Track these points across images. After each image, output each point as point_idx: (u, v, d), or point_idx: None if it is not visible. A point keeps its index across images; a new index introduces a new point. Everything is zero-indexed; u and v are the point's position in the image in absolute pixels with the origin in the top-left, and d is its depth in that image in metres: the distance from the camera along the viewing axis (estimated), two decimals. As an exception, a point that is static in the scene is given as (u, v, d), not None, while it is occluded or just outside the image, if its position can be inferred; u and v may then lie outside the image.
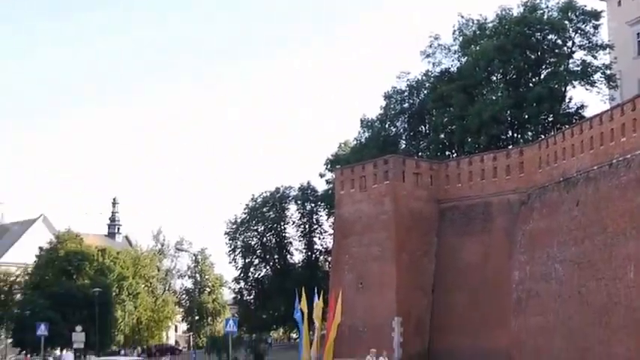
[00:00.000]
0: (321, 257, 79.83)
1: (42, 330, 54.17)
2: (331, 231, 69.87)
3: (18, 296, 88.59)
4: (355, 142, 74.93)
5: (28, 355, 65.53)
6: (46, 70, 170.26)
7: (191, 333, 78.57)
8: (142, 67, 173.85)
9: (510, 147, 58.71)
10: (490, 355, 47.99)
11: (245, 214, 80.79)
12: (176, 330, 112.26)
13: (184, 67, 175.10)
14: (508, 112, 61.76)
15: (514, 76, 64.16)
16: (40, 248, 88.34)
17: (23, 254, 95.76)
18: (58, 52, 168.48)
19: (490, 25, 66.11)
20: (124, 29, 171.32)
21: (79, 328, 62.81)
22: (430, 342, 53.84)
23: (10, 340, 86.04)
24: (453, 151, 67.09)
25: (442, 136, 67.73)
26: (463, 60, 67.34)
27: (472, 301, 52.18)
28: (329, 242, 74.05)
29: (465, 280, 53.17)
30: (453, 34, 68.64)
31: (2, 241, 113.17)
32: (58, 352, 78.09)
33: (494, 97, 61.86)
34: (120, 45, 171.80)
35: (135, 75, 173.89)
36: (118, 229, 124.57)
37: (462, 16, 68.19)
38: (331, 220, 71.05)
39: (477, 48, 64.95)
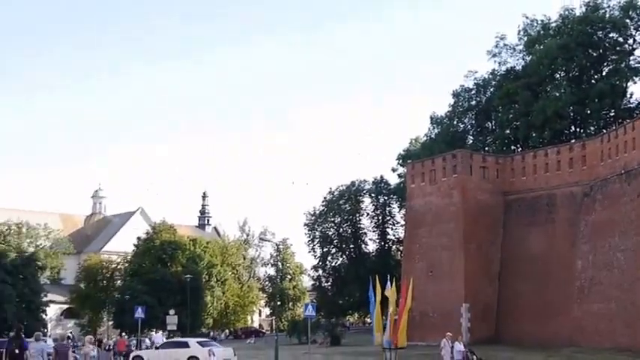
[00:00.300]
0: (394, 247, 79.27)
1: (139, 313, 54.46)
2: (403, 222, 69.35)
3: (118, 282, 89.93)
4: (425, 138, 74.26)
5: (126, 336, 66.26)
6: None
7: (273, 317, 78.55)
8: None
9: (573, 141, 57.14)
10: (554, 340, 46.77)
11: (323, 206, 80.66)
12: (260, 314, 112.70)
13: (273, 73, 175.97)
14: (571, 107, 60.36)
15: (577, 74, 62.52)
16: (138, 238, 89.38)
17: (123, 244, 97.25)
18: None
19: (554, 24, 64.72)
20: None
21: (172, 311, 63.43)
22: (497, 327, 52.76)
23: (111, 322, 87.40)
24: (518, 145, 65.84)
25: (508, 131, 66.55)
26: (528, 59, 66.09)
27: (537, 288, 51.08)
28: (401, 233, 73.49)
29: (530, 269, 52.05)
30: (518, 34, 67.46)
31: (104, 231, 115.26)
32: (153, 333, 79.07)
33: (557, 94, 60.38)
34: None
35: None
36: (208, 220, 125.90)
37: (527, 17, 66.95)
38: (403, 211, 70.35)
39: (541, 47, 63.68)
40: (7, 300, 72.55)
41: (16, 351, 21.04)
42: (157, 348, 40.63)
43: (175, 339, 45.68)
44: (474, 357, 34.43)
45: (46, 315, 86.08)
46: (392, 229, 79.70)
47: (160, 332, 68.33)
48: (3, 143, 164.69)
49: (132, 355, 39.96)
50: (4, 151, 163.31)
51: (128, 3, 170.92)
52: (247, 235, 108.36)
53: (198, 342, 39.28)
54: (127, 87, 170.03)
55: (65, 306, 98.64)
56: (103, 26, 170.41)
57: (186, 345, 38.42)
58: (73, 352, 24.63)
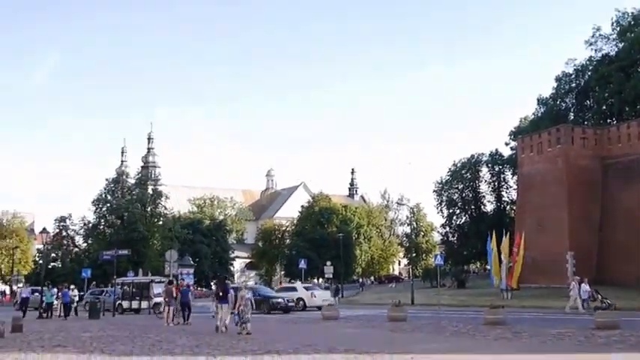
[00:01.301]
0: (508, 207, 77.16)
1: (302, 264, 55.70)
2: (515, 186, 67.65)
3: (287, 241, 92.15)
4: (533, 117, 71.88)
5: (292, 282, 67.76)
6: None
7: (410, 266, 78.31)
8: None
9: (663, 113, 53.79)
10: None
11: (448, 175, 79.61)
12: (399, 264, 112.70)
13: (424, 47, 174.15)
14: (660, 84, 56.63)
15: (665, 55, 58.62)
16: (302, 206, 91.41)
17: (290, 211, 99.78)
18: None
19: (643, 15, 60.86)
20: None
21: (328, 263, 64.05)
22: (597, 271, 50.61)
23: (282, 272, 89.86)
24: (614, 119, 62.48)
25: (604, 107, 63.49)
26: (620, 45, 62.50)
27: (631, 237, 48.64)
28: (513, 195, 71.59)
29: (625, 221, 49.63)
30: (612, 25, 64.06)
31: (276, 202, 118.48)
32: (315, 280, 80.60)
33: (647, 74, 56.85)
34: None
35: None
36: (356, 190, 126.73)
37: (619, 10, 63.59)
38: (515, 177, 68.51)
39: (632, 35, 60.17)
40: (204, 256, 76.27)
41: (220, 293, 23.17)
42: (276, 291, 41.98)
43: (286, 285, 47.32)
44: (599, 296, 33.09)
45: (233, 267, 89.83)
46: (506, 192, 77.68)
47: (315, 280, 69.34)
48: (199, 137, 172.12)
49: None
50: (204, 143, 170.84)
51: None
52: (387, 201, 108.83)
53: (304, 287, 41.15)
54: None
55: (247, 260, 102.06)
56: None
57: (294, 289, 40.37)
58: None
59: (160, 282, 37.04)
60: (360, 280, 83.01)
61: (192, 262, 60.44)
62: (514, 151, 68.61)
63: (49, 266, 62.80)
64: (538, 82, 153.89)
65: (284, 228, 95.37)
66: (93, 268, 50.36)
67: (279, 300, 35.21)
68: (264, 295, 35.35)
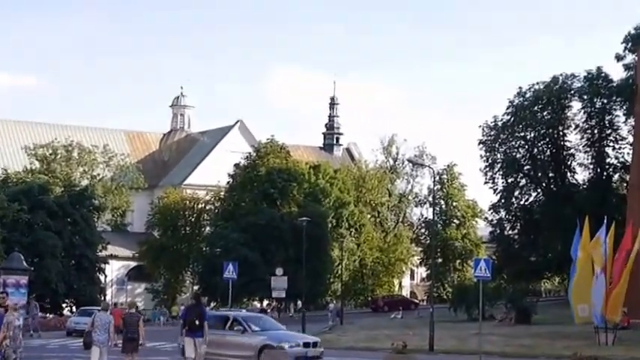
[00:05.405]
0: (616, 175, 77.26)
1: (229, 272, 53.31)
2: (631, 138, 67.19)
3: (207, 229, 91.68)
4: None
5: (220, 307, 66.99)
6: None
7: (431, 281, 78.22)
8: None
9: None
10: None
11: (509, 115, 79.13)
12: (412, 277, 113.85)
13: None
14: None
15: None
16: (236, 165, 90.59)
17: (214, 173, 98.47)
18: None
19: None
20: None
21: (279, 270, 63.16)
22: None
23: (197, 287, 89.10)
24: None
25: None
26: None
27: None
28: (627, 154, 71.37)
29: None
30: None
31: (188, 156, 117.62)
32: (257, 304, 79.92)
33: None
34: None
35: None
36: (337, 139, 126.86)
37: None
38: (631, 121, 68.04)
39: None
40: (49, 253, 74.52)
41: (196, 322, 25.10)
42: None
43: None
44: None
45: (104, 275, 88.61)
46: (613, 148, 77.88)
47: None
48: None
49: None
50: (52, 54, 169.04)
51: None
52: (395, 161, 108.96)
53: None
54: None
55: (132, 263, 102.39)
56: None
57: None
58: None
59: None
60: (331, 305, 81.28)
61: (25, 263, 59.54)
62: (631, 73, 68.73)
63: None
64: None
65: (202, 205, 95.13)
66: None
67: None
68: None
